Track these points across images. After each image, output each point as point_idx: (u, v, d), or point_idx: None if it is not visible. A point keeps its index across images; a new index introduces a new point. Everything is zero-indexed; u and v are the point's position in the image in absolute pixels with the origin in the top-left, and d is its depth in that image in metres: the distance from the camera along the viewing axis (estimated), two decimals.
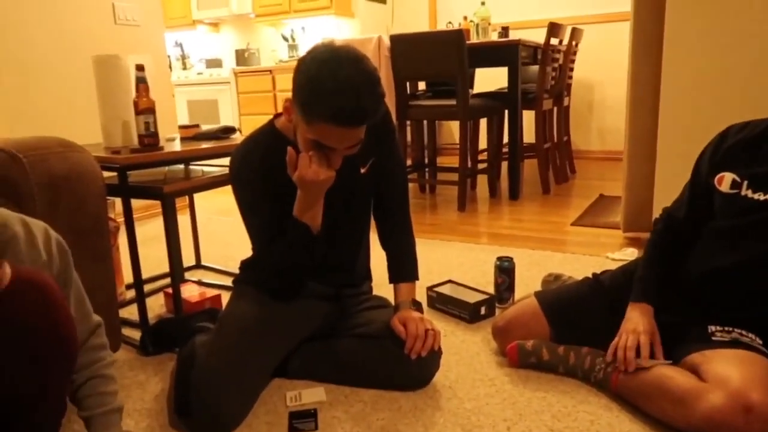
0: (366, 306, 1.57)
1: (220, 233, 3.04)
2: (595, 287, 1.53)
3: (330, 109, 1.16)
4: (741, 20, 2.04)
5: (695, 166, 1.42)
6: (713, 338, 1.26)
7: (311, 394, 1.43)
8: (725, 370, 1.14)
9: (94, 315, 1.22)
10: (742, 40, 2.05)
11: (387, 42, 3.27)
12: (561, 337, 1.51)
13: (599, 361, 1.41)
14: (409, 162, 3.81)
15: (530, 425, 1.29)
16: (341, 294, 1.58)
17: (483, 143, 3.92)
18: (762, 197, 1.26)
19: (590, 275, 1.59)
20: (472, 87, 3.89)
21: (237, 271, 1.60)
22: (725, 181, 1.32)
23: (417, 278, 1.56)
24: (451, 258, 2.47)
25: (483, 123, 3.87)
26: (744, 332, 1.25)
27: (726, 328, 1.27)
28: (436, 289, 1.96)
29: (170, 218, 1.70)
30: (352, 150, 1.28)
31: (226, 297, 1.69)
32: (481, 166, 3.82)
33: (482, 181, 4.02)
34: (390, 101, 3.27)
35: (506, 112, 3.56)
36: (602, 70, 4.79)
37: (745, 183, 1.28)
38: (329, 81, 1.15)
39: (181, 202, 3.09)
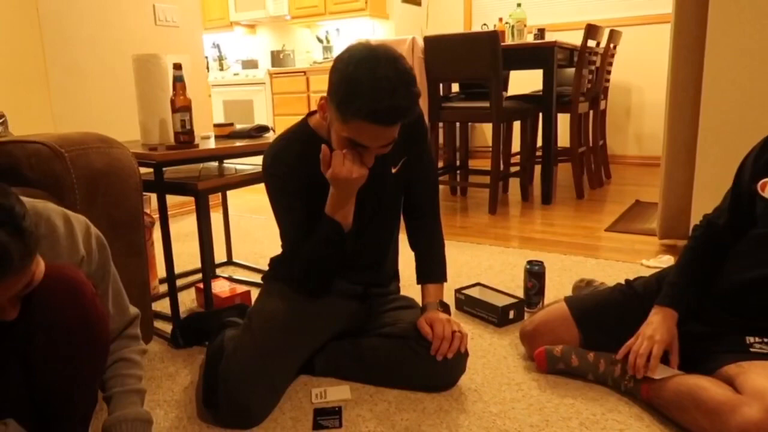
0: (393, 306, 1.57)
1: (252, 231, 3.09)
2: (627, 293, 1.50)
3: (366, 107, 1.16)
4: None
5: (737, 172, 1.38)
6: (751, 349, 1.22)
7: (336, 392, 1.44)
8: (763, 383, 1.11)
9: (132, 308, 1.25)
10: None
11: (420, 43, 3.27)
12: (590, 344, 1.48)
13: (630, 368, 1.38)
14: (440, 164, 3.80)
15: None
16: (369, 293, 1.58)
17: (516, 146, 3.88)
18: None
19: (623, 281, 1.55)
20: (506, 89, 3.86)
21: (267, 268, 1.62)
22: None
23: (445, 279, 1.55)
24: (481, 261, 2.45)
25: (516, 126, 3.83)
26: None
27: (765, 340, 1.23)
28: (464, 291, 1.95)
29: (203, 214, 1.73)
30: (386, 149, 1.28)
31: (255, 293, 1.72)
32: (513, 169, 3.78)
33: (514, 184, 3.97)
34: (423, 102, 3.26)
35: (540, 115, 3.51)
36: (641, 73, 4.68)
37: None
38: (366, 80, 1.16)
39: (215, 200, 3.15)
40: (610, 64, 3.94)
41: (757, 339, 1.23)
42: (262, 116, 5.36)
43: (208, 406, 1.35)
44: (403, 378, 1.45)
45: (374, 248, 1.56)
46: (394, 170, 1.47)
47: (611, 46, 3.74)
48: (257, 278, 2.17)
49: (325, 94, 1.28)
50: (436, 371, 1.42)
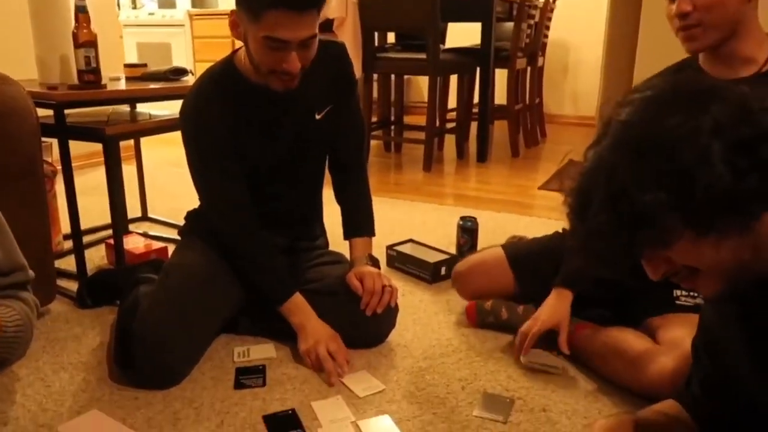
0: (320, 261, 1.51)
1: (170, 185, 2.89)
2: (561, 241, 1.48)
3: None
4: None
5: None
6: (677, 302, 1.25)
7: (260, 350, 1.38)
8: (679, 333, 1.15)
9: (22, 260, 1.11)
10: None
11: None
12: (524, 288, 1.47)
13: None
14: (374, 119, 3.70)
15: (485, 385, 1.26)
16: (295, 247, 1.51)
17: (452, 102, 3.83)
18: None
19: (560, 230, 1.54)
20: (443, 42, 3.77)
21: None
22: None
23: (373, 234, 1.50)
24: (414, 218, 2.41)
25: (453, 81, 3.76)
26: None
27: (691, 293, 1.25)
28: (396, 247, 1.90)
29: (113, 163, 1.59)
30: (308, 51, 1.21)
31: (173, 250, 1.60)
32: (449, 125, 3.74)
33: (450, 141, 3.92)
34: (356, 52, 3.13)
35: (478, 70, 3.46)
36: (579, 31, 4.66)
37: None
38: None
39: (127, 151, 2.91)
40: (549, 19, 3.91)
41: (683, 293, 1.26)
42: (181, 61, 4.99)
43: (122, 365, 1.26)
44: None
45: (299, 199, 1.49)
46: (318, 117, 1.39)
47: (550, 0, 3.71)
48: (175, 234, 2.03)
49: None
50: (365, 327, 1.38)
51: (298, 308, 1.35)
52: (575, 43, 4.75)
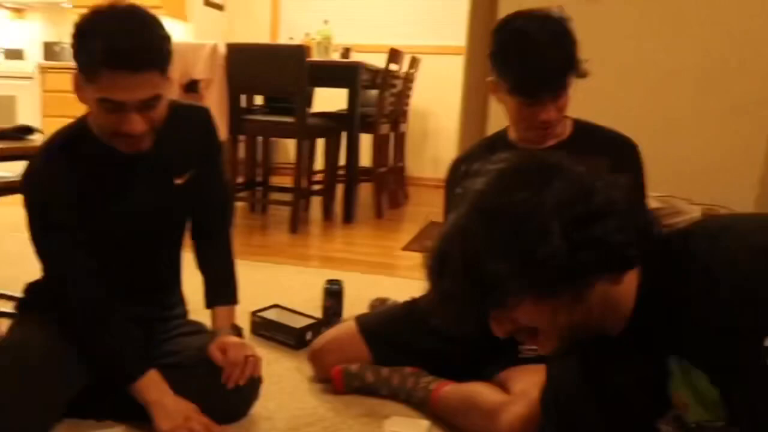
0: (179, 332, 1.44)
1: (8, 252, 2.61)
2: (411, 308, 1.55)
3: (103, 49, 1.07)
4: None
5: None
6: (520, 355, 1.34)
7: None
8: (527, 383, 1.24)
9: None
10: None
11: (223, 50, 3.13)
12: (381, 359, 1.50)
13: (421, 380, 1.43)
14: (240, 180, 3.66)
15: None
16: (151, 317, 1.43)
17: (319, 164, 3.90)
18: None
19: (410, 298, 1.61)
20: (310, 106, 3.87)
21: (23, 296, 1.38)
22: None
23: (237, 302, 1.46)
24: (280, 281, 2.38)
25: (319, 143, 3.85)
26: None
27: (533, 347, 1.35)
28: (260, 314, 1.86)
29: None
30: (150, 111, 1.15)
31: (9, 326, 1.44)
32: (315, 187, 3.79)
33: (316, 203, 3.97)
34: (222, 114, 3.11)
35: (344, 134, 3.58)
36: (438, 100, 5.02)
37: None
38: (99, 24, 1.09)
39: None
40: (410, 88, 4.18)
41: (527, 347, 1.36)
42: (28, 116, 4.61)
43: None
44: None
45: (157, 267, 1.43)
46: (179, 182, 1.35)
47: (411, 71, 3.97)
48: (12, 308, 1.82)
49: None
50: (227, 401, 1.32)
51: (154, 384, 1.26)
52: (435, 111, 5.11)
